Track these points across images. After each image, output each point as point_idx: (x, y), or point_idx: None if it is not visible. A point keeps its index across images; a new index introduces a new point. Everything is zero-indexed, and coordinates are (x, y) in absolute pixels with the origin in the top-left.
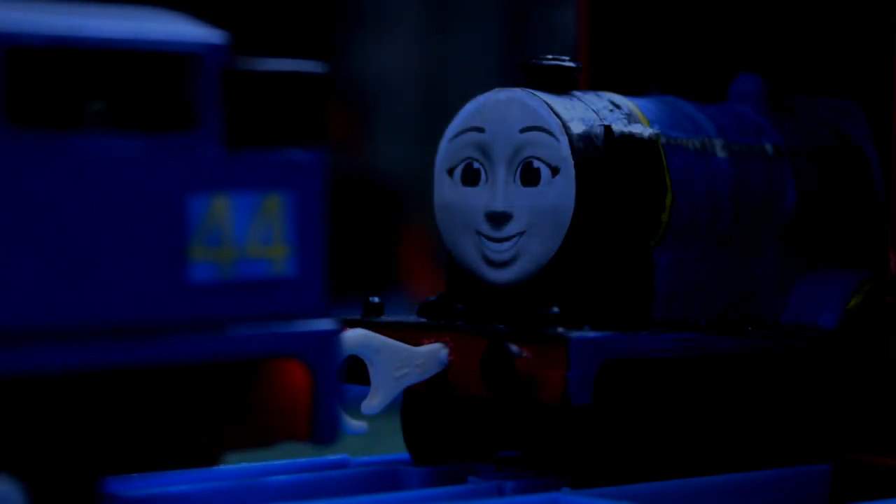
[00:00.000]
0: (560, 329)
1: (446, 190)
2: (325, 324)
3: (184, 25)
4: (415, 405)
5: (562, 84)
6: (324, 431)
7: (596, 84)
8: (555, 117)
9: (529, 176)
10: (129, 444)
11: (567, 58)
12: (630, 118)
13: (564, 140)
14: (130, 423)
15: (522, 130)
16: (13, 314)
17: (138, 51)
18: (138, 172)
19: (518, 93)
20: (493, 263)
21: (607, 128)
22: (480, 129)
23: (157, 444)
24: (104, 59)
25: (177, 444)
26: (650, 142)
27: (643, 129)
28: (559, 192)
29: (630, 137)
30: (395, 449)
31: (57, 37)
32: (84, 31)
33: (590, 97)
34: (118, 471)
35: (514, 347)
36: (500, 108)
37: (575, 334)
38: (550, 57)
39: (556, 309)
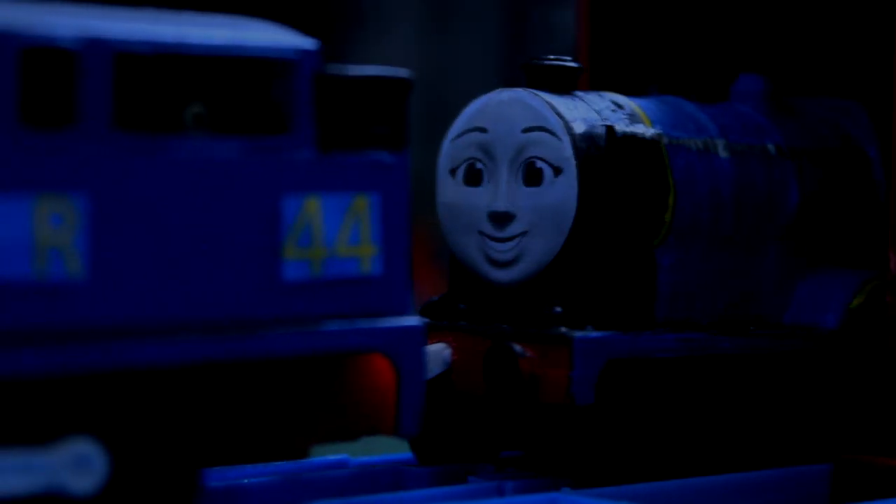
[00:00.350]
0: (563, 329)
1: (449, 190)
2: (409, 320)
3: (277, 32)
4: None
5: (564, 84)
6: (408, 425)
7: (596, 84)
8: (557, 117)
9: (532, 176)
10: (223, 435)
11: (569, 58)
12: (632, 118)
13: (567, 140)
14: (225, 416)
15: (525, 130)
16: (116, 311)
17: (237, 57)
18: (235, 174)
19: (520, 93)
20: (495, 263)
21: (610, 128)
22: (483, 130)
23: (250, 437)
24: (204, 66)
25: (269, 436)
26: (652, 142)
27: (645, 130)
28: (562, 192)
29: (632, 137)
30: (395, 449)
31: (161, 44)
32: (186, 39)
33: (592, 97)
34: (214, 462)
35: (517, 347)
36: (503, 109)
37: (578, 334)
38: (553, 57)
39: (558, 309)
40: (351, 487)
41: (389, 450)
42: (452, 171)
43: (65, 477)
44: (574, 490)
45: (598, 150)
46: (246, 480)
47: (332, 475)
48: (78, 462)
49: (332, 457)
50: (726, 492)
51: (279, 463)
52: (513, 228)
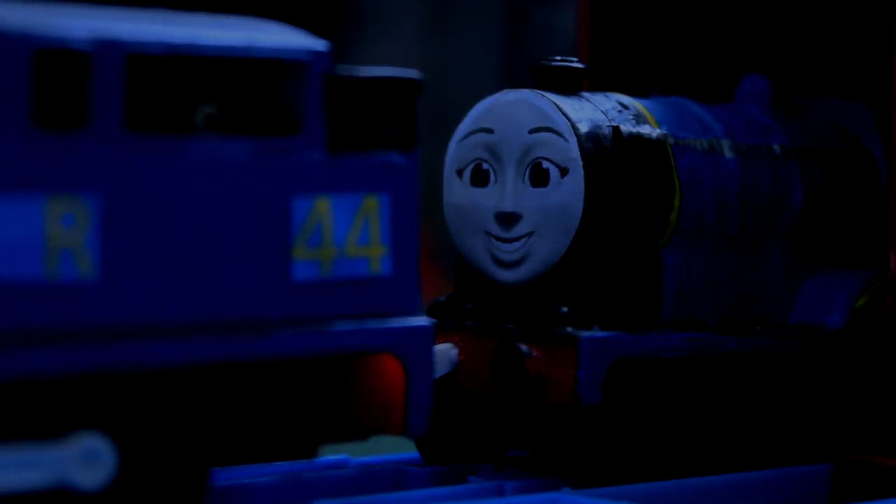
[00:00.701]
0: (570, 329)
1: (456, 191)
2: (418, 320)
3: (288, 33)
4: None
5: (570, 85)
6: (416, 425)
7: (596, 84)
8: (563, 118)
9: (538, 176)
10: (233, 435)
11: (575, 59)
12: (638, 119)
13: (573, 141)
14: (235, 415)
15: (531, 131)
16: (126, 311)
17: (248, 58)
18: (246, 175)
19: (527, 94)
20: (502, 264)
21: (616, 128)
22: (489, 131)
23: (259, 436)
24: (216, 67)
25: (278, 436)
26: (658, 142)
27: (651, 130)
28: (568, 192)
29: (638, 138)
30: (395, 449)
31: (173, 45)
32: (198, 40)
33: (598, 98)
34: (223, 461)
35: (524, 347)
36: (509, 109)
37: (585, 334)
38: (559, 58)
39: (565, 309)
40: (351, 487)
41: (390, 450)
42: (459, 172)
43: (73, 472)
44: (574, 490)
45: (604, 150)
46: (246, 480)
47: (333, 475)
48: (86, 457)
49: (332, 457)
50: (726, 492)
51: (279, 463)
52: (519, 229)
